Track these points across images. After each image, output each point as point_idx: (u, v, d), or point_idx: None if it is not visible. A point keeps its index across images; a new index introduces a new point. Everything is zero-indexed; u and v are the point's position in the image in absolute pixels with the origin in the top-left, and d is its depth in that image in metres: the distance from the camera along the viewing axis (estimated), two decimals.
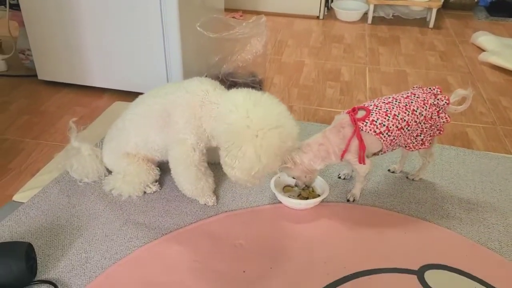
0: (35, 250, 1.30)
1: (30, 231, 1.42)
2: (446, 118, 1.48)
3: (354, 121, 1.43)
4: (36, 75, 2.31)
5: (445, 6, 3.55)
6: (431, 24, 3.28)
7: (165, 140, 1.50)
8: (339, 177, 1.68)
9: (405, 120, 1.44)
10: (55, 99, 2.21)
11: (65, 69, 2.23)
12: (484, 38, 2.93)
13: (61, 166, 1.64)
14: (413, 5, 3.31)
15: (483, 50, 2.86)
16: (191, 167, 1.46)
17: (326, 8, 3.45)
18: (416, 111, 1.45)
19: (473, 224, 1.49)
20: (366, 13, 3.37)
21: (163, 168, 1.63)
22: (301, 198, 1.55)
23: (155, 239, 1.41)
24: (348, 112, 1.46)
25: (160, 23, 1.98)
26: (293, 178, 1.53)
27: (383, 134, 1.43)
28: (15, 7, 2.28)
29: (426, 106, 1.46)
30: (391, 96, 1.50)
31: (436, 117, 1.48)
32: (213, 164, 1.68)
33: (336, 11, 3.42)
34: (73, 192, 1.59)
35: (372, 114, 1.44)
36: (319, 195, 1.55)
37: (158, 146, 1.52)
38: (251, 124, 1.26)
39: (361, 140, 1.42)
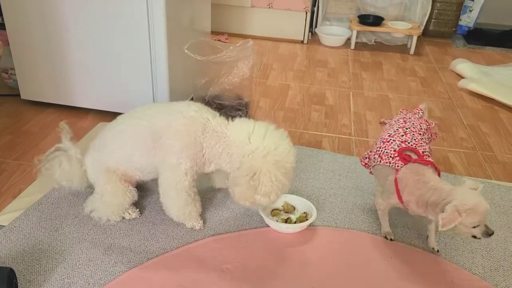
0: (17, 275, 1.26)
1: (11, 256, 1.37)
2: (432, 122, 1.61)
3: (433, 165, 1.41)
4: (19, 95, 2.28)
5: (425, 34, 3.66)
6: (412, 51, 3.37)
7: (150, 161, 1.48)
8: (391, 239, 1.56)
9: (425, 141, 1.51)
10: (39, 119, 2.18)
11: (49, 89, 2.21)
12: (462, 66, 3.02)
13: (48, 165, 1.56)
14: (394, 32, 3.41)
15: (462, 77, 2.95)
16: (182, 192, 1.45)
17: (310, 33, 3.52)
18: (422, 129, 1.53)
19: (457, 249, 1.51)
20: (349, 39, 3.46)
21: (149, 190, 1.61)
22: (289, 222, 1.55)
23: (140, 264, 1.38)
24: (408, 160, 1.40)
25: (148, 45, 1.99)
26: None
27: (430, 159, 1.45)
28: (0, 26, 2.26)
29: (420, 121, 1.57)
30: (398, 125, 1.54)
31: (427, 125, 1.59)
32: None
33: (320, 36, 3.49)
34: (56, 215, 1.55)
35: (417, 148, 1.45)
36: (307, 219, 1.55)
37: (140, 165, 1.51)
38: (267, 153, 1.36)
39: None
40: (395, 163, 1.42)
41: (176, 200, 1.47)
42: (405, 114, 1.62)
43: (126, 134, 1.50)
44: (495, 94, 2.65)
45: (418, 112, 1.64)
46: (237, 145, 1.40)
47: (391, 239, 1.53)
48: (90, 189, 1.59)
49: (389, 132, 1.54)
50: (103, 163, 1.53)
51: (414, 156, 1.42)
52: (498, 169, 2.00)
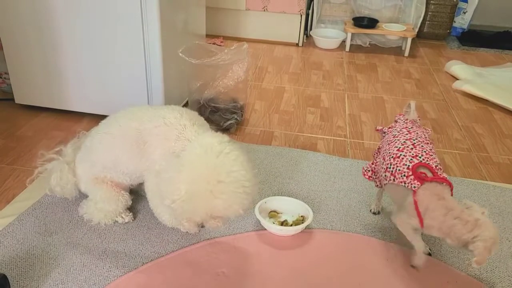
0: (10, 281, 1.25)
1: (5, 261, 1.36)
2: (428, 129, 1.57)
3: (447, 182, 1.35)
4: (13, 99, 2.26)
5: (419, 36, 3.68)
6: (407, 53, 3.38)
7: (137, 166, 1.47)
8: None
9: (433, 151, 1.45)
10: (33, 124, 2.17)
11: (44, 93, 2.20)
12: (457, 67, 3.03)
13: (44, 172, 1.56)
14: (389, 34, 3.42)
15: (456, 78, 2.96)
16: None
17: (305, 35, 3.52)
18: (427, 138, 1.49)
19: (453, 251, 1.51)
20: (344, 41, 3.46)
21: (143, 194, 1.60)
22: (285, 225, 1.55)
23: (135, 268, 1.37)
24: (424, 179, 1.33)
25: (143, 49, 1.99)
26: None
27: (444, 174, 1.41)
28: None
29: (421, 129, 1.53)
30: (404, 137, 1.48)
31: (428, 133, 1.55)
32: None
33: (315, 39, 3.50)
34: (50, 219, 1.54)
35: (430, 163, 1.38)
36: (303, 222, 1.55)
37: (128, 170, 1.49)
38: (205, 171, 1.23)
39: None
40: (411, 183, 1.34)
41: (164, 207, 1.43)
42: (406, 123, 1.55)
43: (113, 136, 1.47)
44: (489, 95, 2.66)
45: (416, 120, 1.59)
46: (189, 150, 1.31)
47: (429, 254, 1.48)
48: (82, 194, 1.58)
49: (396, 146, 1.45)
50: (90, 171, 1.53)
51: (429, 174, 1.35)
52: (493, 170, 2.00)
